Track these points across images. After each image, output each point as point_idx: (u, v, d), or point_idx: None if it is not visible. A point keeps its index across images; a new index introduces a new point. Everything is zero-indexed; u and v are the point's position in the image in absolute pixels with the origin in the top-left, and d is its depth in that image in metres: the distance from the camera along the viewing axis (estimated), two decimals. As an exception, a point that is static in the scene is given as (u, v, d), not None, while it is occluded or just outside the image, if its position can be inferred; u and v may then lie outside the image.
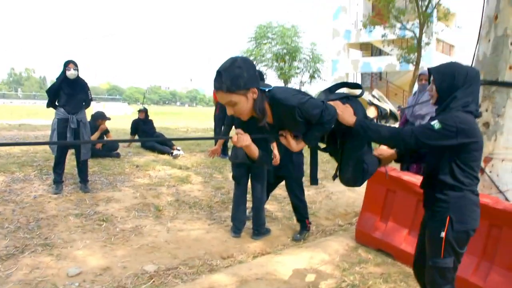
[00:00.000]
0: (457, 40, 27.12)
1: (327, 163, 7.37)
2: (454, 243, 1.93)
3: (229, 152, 5.13)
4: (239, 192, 4.17)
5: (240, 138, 1.92)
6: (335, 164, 2.27)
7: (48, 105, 5.26)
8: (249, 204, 4.40)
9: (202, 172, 6.77)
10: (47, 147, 6.48)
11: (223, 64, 1.76)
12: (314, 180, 2.23)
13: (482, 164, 3.27)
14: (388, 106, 2.41)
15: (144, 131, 8.52)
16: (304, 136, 1.99)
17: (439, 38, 22.72)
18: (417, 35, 16.38)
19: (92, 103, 5.61)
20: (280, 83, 23.46)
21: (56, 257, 3.41)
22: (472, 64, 3.51)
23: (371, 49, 28.62)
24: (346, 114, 1.98)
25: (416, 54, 16.63)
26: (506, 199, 3.16)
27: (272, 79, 23.68)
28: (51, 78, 76.84)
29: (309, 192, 5.68)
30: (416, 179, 3.42)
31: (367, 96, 2.46)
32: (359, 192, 5.67)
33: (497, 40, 3.31)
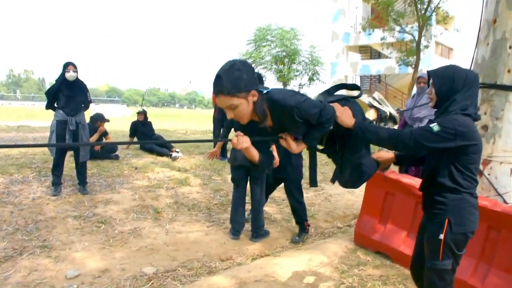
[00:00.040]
0: (456, 43, 27.19)
1: (326, 166, 7.37)
2: (453, 245, 1.93)
3: (228, 154, 5.13)
4: (238, 194, 4.16)
5: (240, 140, 1.91)
6: (334, 167, 2.28)
7: (47, 107, 5.26)
8: (248, 206, 4.40)
9: (201, 174, 6.76)
10: (45, 148, 6.48)
11: (222, 67, 1.76)
12: (313, 182, 2.23)
13: (481, 167, 3.28)
14: (388, 109, 2.41)
15: (143, 133, 8.52)
16: (304, 138, 1.99)
17: (438, 41, 22.74)
18: (416, 38, 16.41)
19: (91, 105, 5.62)
20: (279, 86, 23.45)
21: (54, 259, 3.41)
22: (470, 67, 3.52)
23: (370, 52, 28.67)
24: (345, 116, 1.99)
25: (415, 57, 16.65)
26: (505, 202, 3.16)
27: (271, 82, 23.68)
28: (50, 79, 76.91)
29: (308, 194, 5.68)
30: (414, 181, 3.42)
31: (367, 99, 2.47)
32: (358, 195, 5.67)
33: (496, 43, 3.32)
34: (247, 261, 3.64)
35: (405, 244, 3.40)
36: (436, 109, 2.04)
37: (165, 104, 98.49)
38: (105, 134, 7.19)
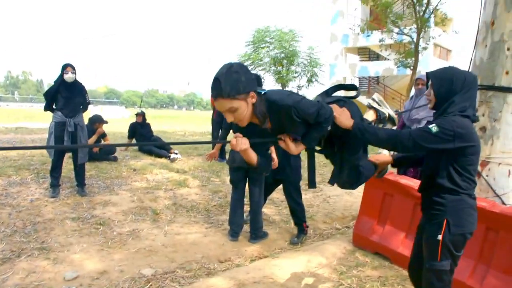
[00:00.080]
0: (454, 45, 27.23)
1: (324, 167, 7.38)
2: (451, 246, 1.94)
3: (227, 156, 5.14)
4: (237, 195, 4.16)
5: (239, 141, 1.91)
6: (332, 168, 2.28)
7: (46, 109, 5.25)
8: (246, 208, 4.40)
9: (200, 175, 6.76)
10: (44, 150, 6.47)
11: (219, 71, 1.75)
12: (312, 184, 2.23)
13: (479, 168, 3.29)
14: (387, 110, 2.41)
15: (142, 135, 8.51)
16: (303, 138, 1.99)
17: (436, 43, 22.78)
18: (415, 40, 16.46)
19: (90, 106, 5.61)
20: (278, 87, 23.46)
21: (52, 261, 3.40)
22: (469, 69, 3.53)
23: (368, 54, 28.73)
24: (344, 117, 1.99)
25: (413, 58, 16.70)
26: (503, 203, 3.17)
27: (270, 84, 23.70)
28: (48, 81, 76.85)
29: (307, 196, 5.68)
30: (413, 182, 3.43)
31: (367, 100, 2.47)
32: (356, 196, 5.68)
33: (494, 45, 3.33)
34: (245, 263, 3.63)
35: (404, 245, 3.41)
36: (434, 111, 2.05)
37: (164, 106, 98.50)
38: (103, 135, 7.18)
